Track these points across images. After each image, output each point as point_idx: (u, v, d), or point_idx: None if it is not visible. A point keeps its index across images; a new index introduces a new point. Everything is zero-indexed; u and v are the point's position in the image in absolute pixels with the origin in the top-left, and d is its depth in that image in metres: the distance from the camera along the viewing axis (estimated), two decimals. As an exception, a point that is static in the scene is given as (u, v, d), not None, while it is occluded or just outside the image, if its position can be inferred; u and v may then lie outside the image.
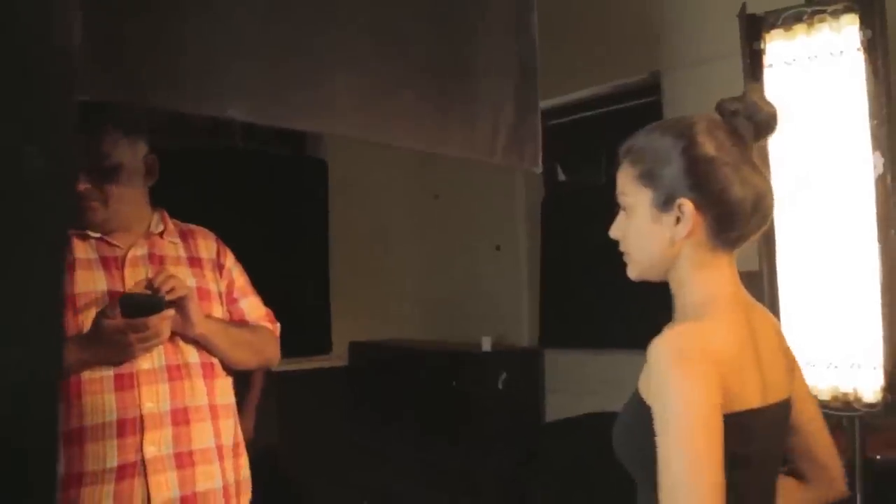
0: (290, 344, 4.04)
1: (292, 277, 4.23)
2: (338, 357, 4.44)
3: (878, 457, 2.22)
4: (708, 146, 1.11)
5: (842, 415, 2.06)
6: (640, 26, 3.48)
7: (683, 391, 1.01)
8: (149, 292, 1.56)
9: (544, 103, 3.94)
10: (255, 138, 4.38)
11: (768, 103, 1.16)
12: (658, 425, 1.03)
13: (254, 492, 1.80)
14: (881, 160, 1.96)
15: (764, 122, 1.14)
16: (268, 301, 1.96)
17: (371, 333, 4.46)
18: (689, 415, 1.00)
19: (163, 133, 3.56)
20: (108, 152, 1.61)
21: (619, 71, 3.64)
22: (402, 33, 1.71)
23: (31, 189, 0.77)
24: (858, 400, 2.02)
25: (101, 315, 1.52)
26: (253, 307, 1.86)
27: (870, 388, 2.00)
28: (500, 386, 3.79)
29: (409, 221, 4.79)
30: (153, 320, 1.52)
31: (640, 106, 3.62)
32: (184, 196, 3.58)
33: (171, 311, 1.57)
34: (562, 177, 4.23)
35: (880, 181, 1.97)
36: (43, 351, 0.79)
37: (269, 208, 4.17)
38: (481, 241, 4.39)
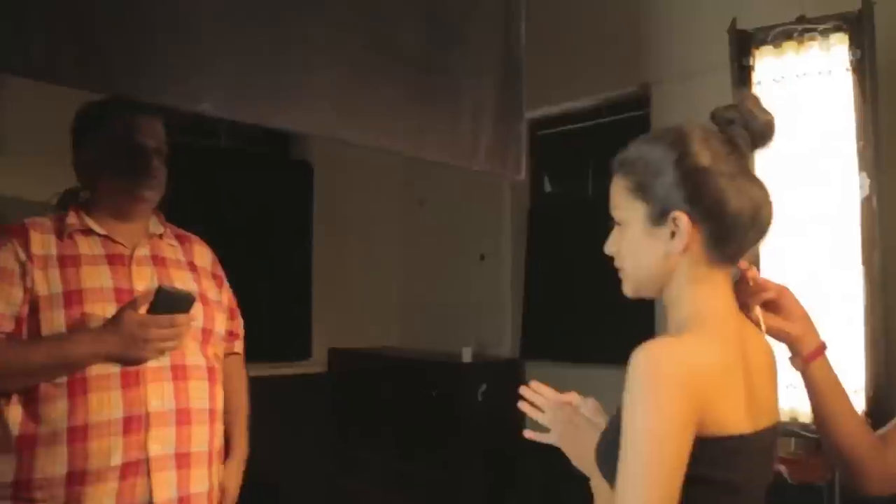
0: (270, 349, 4.03)
1: (274, 282, 4.18)
2: (317, 363, 4.39)
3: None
4: (702, 156, 1.06)
5: (822, 438, 2.03)
6: (629, 39, 3.47)
7: (652, 409, 0.96)
8: (181, 289, 1.56)
9: (533, 113, 3.95)
10: (240, 138, 4.34)
11: (764, 110, 1.10)
12: (622, 438, 0.98)
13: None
14: (867, 181, 1.94)
15: (760, 130, 1.10)
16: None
17: (351, 340, 4.41)
18: (652, 436, 0.95)
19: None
20: (163, 138, 1.66)
21: (609, 83, 3.63)
22: (388, 26, 1.65)
23: None
24: (839, 423, 1.99)
25: (127, 307, 1.49)
26: (241, 325, 1.90)
27: (850, 412, 1.97)
28: (479, 397, 3.74)
29: (393, 227, 4.74)
30: (180, 318, 1.51)
31: (629, 119, 3.62)
32: (165, 196, 3.57)
33: (193, 315, 1.57)
34: (549, 188, 4.21)
35: (866, 203, 1.95)
36: None
37: (251, 211, 4.11)
38: (466, 250, 4.35)
